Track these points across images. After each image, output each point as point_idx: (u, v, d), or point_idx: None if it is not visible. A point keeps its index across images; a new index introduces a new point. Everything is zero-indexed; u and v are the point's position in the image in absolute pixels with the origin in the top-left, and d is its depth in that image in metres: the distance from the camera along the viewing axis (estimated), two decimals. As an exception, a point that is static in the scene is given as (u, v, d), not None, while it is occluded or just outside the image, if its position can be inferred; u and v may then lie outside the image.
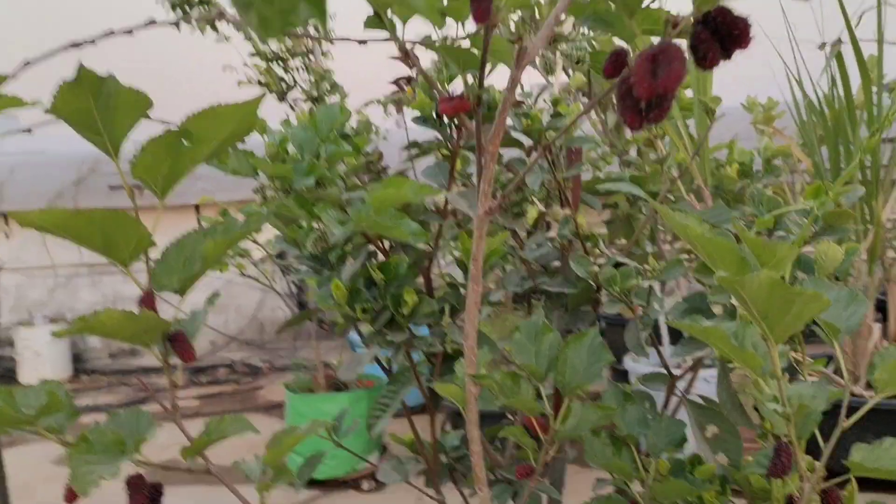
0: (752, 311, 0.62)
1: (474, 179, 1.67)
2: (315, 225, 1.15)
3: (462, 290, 1.15)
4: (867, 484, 0.85)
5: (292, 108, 3.23)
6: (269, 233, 3.97)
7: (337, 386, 3.08)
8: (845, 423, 0.69)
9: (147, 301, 0.63)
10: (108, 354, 5.06)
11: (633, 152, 2.97)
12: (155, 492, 0.68)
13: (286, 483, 0.80)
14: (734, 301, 0.93)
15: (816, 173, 3.22)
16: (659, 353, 1.10)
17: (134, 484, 0.67)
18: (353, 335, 4.08)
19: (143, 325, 0.60)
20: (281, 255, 4.46)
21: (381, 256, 1.16)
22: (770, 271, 0.60)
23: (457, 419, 2.92)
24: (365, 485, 2.88)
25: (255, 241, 3.59)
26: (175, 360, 0.75)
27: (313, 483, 2.93)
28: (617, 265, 1.08)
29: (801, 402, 0.62)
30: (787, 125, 3.30)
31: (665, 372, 1.13)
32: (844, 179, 0.98)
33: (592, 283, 1.21)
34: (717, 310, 0.96)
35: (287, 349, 4.99)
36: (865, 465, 0.64)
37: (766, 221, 0.93)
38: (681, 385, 1.13)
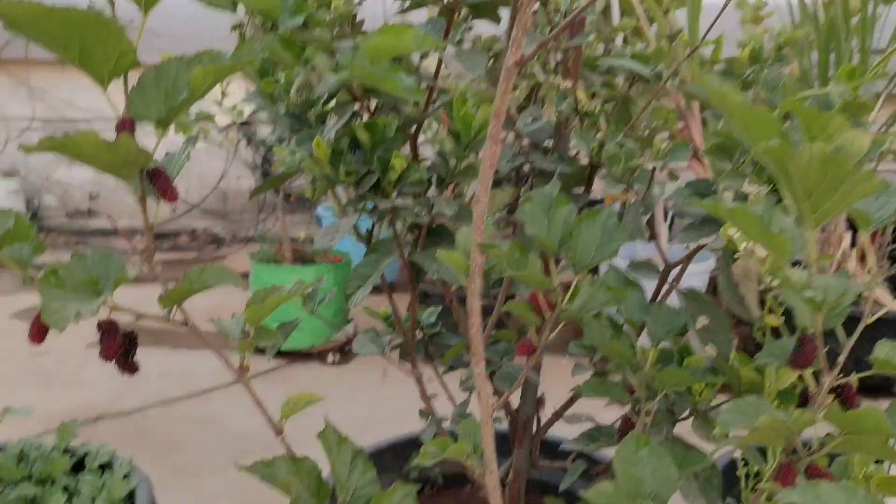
0: (796, 189, 0.57)
1: (465, 45, 1.57)
2: (296, 76, 1.06)
3: (452, 160, 1.08)
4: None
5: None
6: (234, 97, 3.77)
7: (303, 259, 3.02)
8: (869, 319, 0.65)
9: (126, 126, 0.55)
10: (64, 213, 4.92)
11: (618, 41, 2.85)
12: (129, 340, 0.63)
13: (262, 346, 0.74)
14: (750, 187, 0.88)
15: (803, 78, 3.15)
16: (656, 241, 1.05)
17: (107, 329, 0.61)
18: (321, 210, 4.00)
19: (123, 155, 0.53)
20: (247, 123, 4.31)
21: (366, 118, 1.08)
22: (823, 144, 0.54)
23: (424, 299, 2.90)
24: (329, 357, 2.88)
25: (219, 104, 3.43)
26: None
27: (277, 353, 2.92)
28: (620, 144, 1.02)
29: (840, 292, 0.57)
30: (772, 27, 3.19)
31: (651, 262, 1.10)
32: (876, 69, 0.91)
33: (591, 161, 1.15)
34: (727, 196, 0.91)
35: (250, 221, 4.91)
36: (892, 361, 0.61)
37: (791, 103, 0.86)
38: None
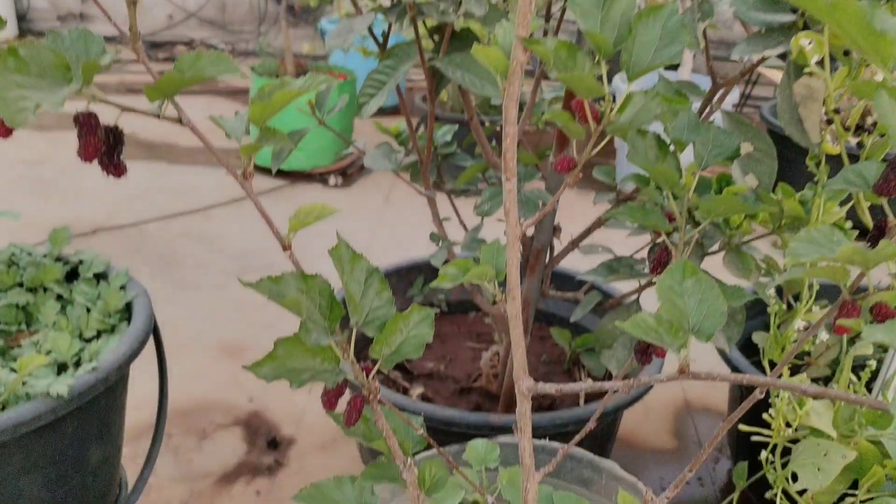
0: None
1: None
2: None
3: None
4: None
5: None
6: None
7: (306, 74, 2.87)
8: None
9: None
10: (55, 17, 4.67)
11: None
12: (113, 136, 0.54)
13: (264, 164, 0.65)
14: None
15: None
16: (707, 55, 0.94)
17: (85, 122, 0.52)
18: (325, 23, 3.79)
19: None
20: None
21: None
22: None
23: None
24: (331, 180, 2.81)
25: None
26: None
27: (278, 173, 2.85)
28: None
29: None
30: None
31: (695, 83, 1.00)
32: None
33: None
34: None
35: (251, 33, 4.67)
36: None
37: None
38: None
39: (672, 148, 0.75)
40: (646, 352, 0.72)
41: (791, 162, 1.47)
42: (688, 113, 0.76)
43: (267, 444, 1.52)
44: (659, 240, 1.07)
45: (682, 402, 1.73)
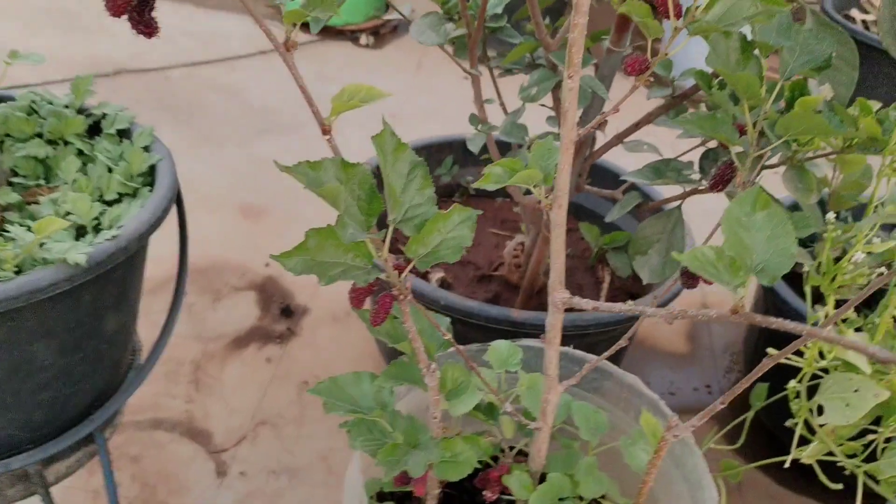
0: None
1: None
2: None
3: None
4: None
5: None
6: None
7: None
8: None
9: None
10: None
11: None
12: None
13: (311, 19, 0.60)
14: None
15: None
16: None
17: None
18: None
19: None
20: None
21: None
22: None
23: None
24: (363, 39, 2.69)
25: None
26: None
27: (306, 28, 2.72)
28: None
29: None
30: None
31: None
32: None
33: None
34: None
35: None
36: None
37: None
38: None
39: (756, 52, 0.68)
40: (693, 276, 0.68)
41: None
42: (783, 14, 0.68)
43: (280, 312, 1.51)
44: (713, 145, 1.00)
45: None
